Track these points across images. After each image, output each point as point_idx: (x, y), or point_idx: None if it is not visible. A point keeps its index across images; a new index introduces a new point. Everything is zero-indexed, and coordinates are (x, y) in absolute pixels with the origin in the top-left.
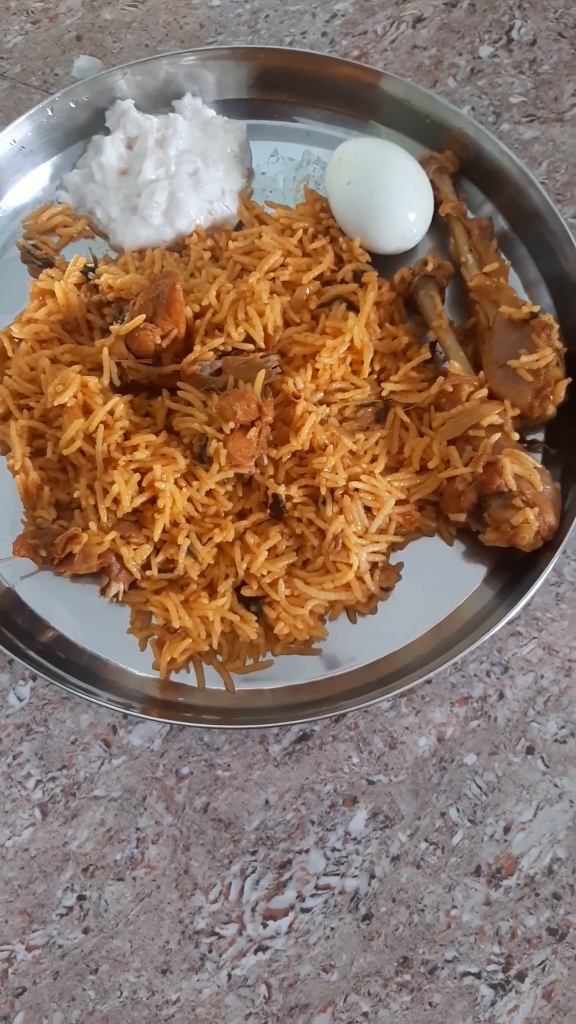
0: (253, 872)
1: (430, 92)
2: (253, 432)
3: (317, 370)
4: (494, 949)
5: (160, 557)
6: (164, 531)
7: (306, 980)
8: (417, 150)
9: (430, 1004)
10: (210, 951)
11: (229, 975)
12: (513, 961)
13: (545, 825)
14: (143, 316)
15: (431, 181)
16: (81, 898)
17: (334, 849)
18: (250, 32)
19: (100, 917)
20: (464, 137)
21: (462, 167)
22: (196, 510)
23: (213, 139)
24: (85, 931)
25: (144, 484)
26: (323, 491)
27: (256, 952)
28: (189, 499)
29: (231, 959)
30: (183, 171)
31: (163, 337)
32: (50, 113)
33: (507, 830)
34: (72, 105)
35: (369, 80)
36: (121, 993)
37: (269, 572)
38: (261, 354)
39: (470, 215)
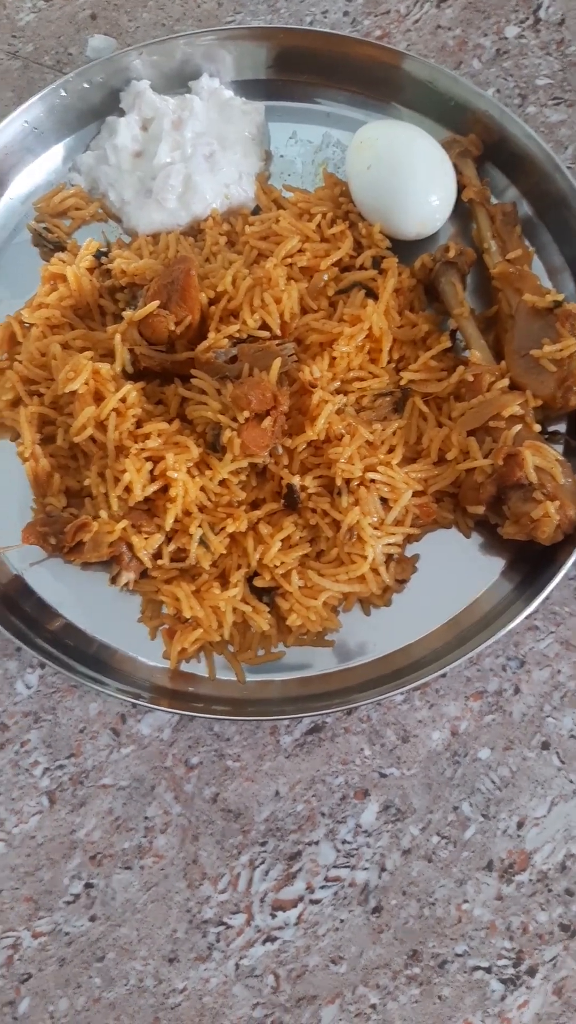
0: (262, 863)
1: (454, 73)
2: (268, 421)
3: (334, 358)
4: (505, 944)
5: (172, 546)
6: (176, 520)
7: (314, 971)
8: (440, 133)
9: (439, 998)
10: (218, 941)
11: (237, 965)
12: (524, 956)
13: (559, 821)
14: (157, 302)
15: (454, 165)
16: (88, 886)
17: (344, 841)
18: (269, 11)
19: (107, 905)
20: (488, 120)
21: (486, 151)
22: (209, 499)
23: (230, 121)
24: (92, 919)
25: (156, 473)
26: (339, 482)
27: (264, 942)
28: (202, 488)
29: (239, 949)
30: (199, 154)
31: (177, 324)
32: (63, 94)
33: (520, 825)
34: (86, 85)
35: (391, 61)
36: (128, 981)
37: (282, 563)
38: (277, 342)
39: (493, 200)
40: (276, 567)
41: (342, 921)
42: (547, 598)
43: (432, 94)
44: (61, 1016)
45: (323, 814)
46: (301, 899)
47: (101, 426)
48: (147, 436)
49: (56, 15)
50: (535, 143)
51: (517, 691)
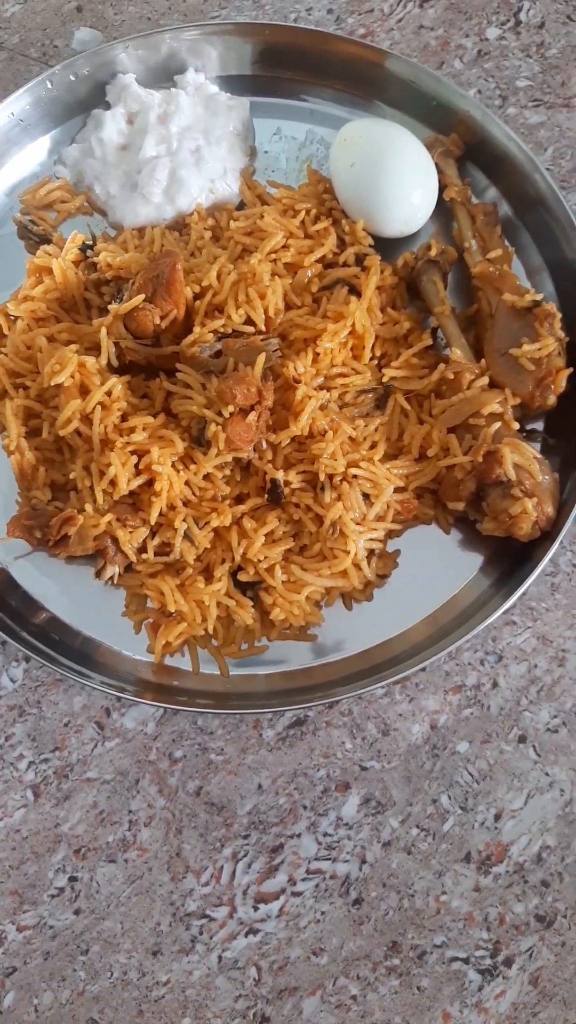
0: (245, 856)
1: (437, 73)
2: (252, 416)
3: (318, 354)
4: (482, 935)
5: (156, 540)
6: (161, 514)
7: (296, 963)
8: (422, 132)
9: (418, 988)
10: (201, 933)
11: (219, 957)
12: (501, 947)
13: (535, 813)
14: (142, 296)
15: (436, 164)
16: (73, 879)
17: (326, 834)
18: (255, 7)
19: (91, 898)
20: (470, 120)
21: (467, 151)
22: (193, 494)
23: (216, 116)
24: (76, 912)
25: (141, 467)
26: (322, 477)
27: (247, 935)
28: (186, 482)
29: (222, 941)
30: (185, 148)
31: (162, 318)
32: (49, 86)
33: (498, 818)
34: (72, 78)
35: (375, 59)
36: (112, 974)
37: (266, 557)
38: (262, 337)
39: (474, 200)
40: (260, 561)
41: (323, 913)
42: (524, 594)
43: (415, 93)
44: (46, 1009)
45: (305, 807)
46: (283, 891)
47: (86, 419)
48: (132, 430)
49: (42, 7)
50: (515, 144)
51: (495, 685)
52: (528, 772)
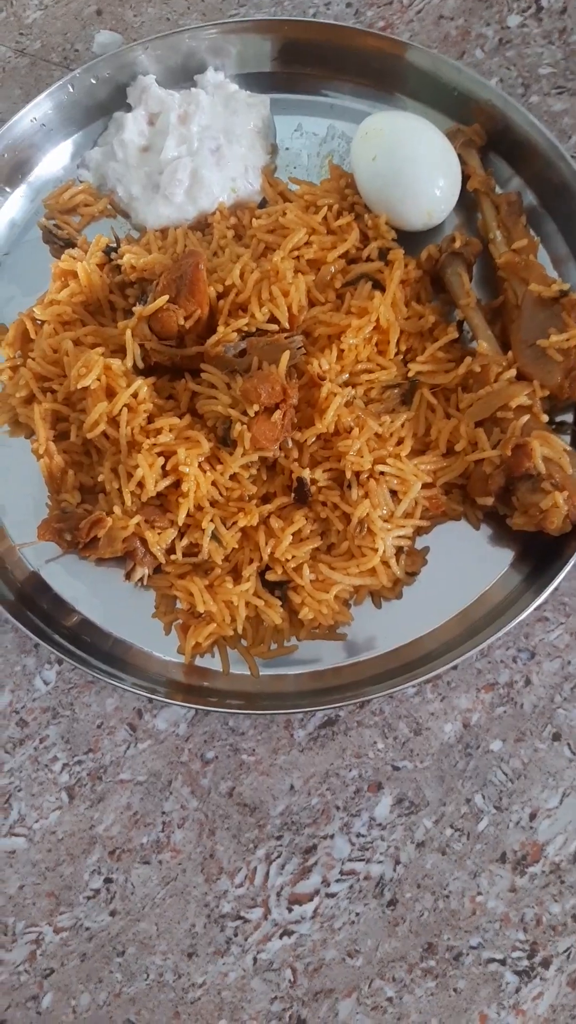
0: (278, 857)
1: (457, 63)
2: (277, 415)
3: (342, 351)
4: (519, 936)
5: (184, 541)
6: (188, 515)
7: (331, 965)
8: (444, 123)
9: (455, 990)
10: (236, 935)
11: (255, 959)
12: (538, 948)
13: (571, 812)
14: (166, 297)
15: (458, 155)
16: (108, 881)
17: (359, 835)
18: (273, 3)
19: (126, 900)
20: (492, 109)
21: (490, 140)
22: (220, 494)
23: (236, 114)
24: (112, 914)
25: (168, 468)
26: (348, 474)
27: (281, 936)
28: (213, 483)
29: (256, 943)
30: (205, 148)
31: (186, 318)
32: (71, 90)
33: (533, 817)
34: (93, 81)
35: (395, 52)
36: (148, 976)
37: (294, 557)
38: (286, 335)
39: (498, 190)
40: (287, 561)
41: (357, 914)
42: (556, 589)
43: (436, 84)
44: (83, 1011)
45: (337, 807)
46: (317, 892)
47: (113, 422)
48: (159, 431)
49: (62, 12)
50: (539, 132)
51: (528, 682)
52: (563, 771)
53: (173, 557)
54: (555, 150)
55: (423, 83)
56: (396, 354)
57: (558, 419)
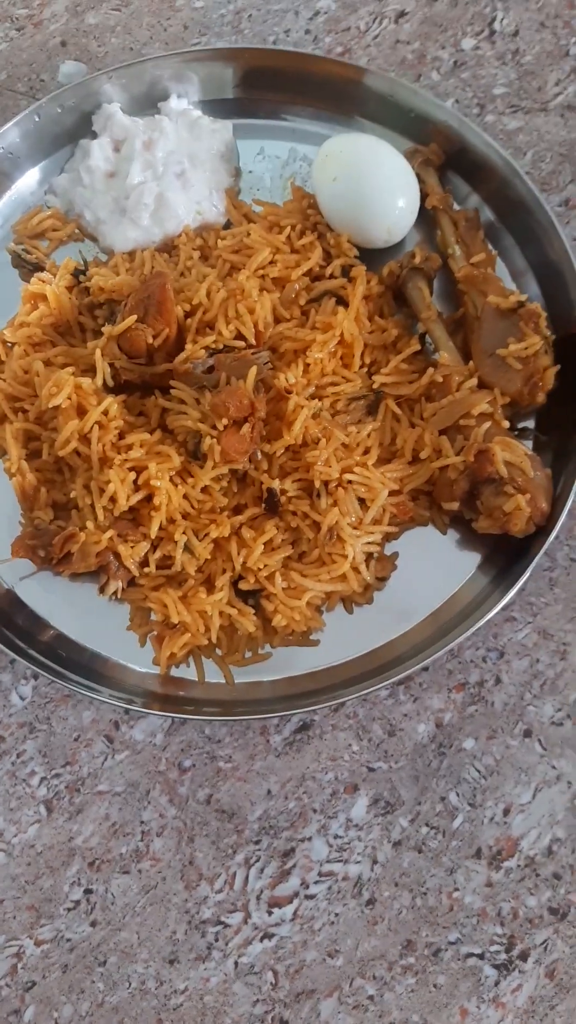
0: (257, 861)
1: (414, 86)
2: (246, 428)
3: (308, 365)
4: (496, 930)
5: (157, 554)
6: (161, 528)
7: (312, 966)
8: (402, 144)
9: (435, 986)
10: (216, 940)
11: (236, 963)
12: (515, 941)
13: (544, 807)
14: (134, 317)
15: (417, 174)
16: (88, 892)
17: (336, 836)
18: (234, 32)
19: (107, 910)
20: (448, 130)
21: (447, 159)
22: (192, 506)
23: (199, 139)
24: (93, 924)
25: (140, 482)
26: (317, 484)
27: (262, 939)
28: (185, 496)
29: (237, 947)
30: (170, 172)
31: (155, 337)
32: (37, 119)
33: (507, 812)
34: (59, 110)
35: (353, 76)
36: (130, 984)
37: (266, 565)
38: (252, 351)
39: (456, 207)
40: (260, 570)
41: (337, 915)
42: (522, 589)
43: (393, 107)
44: (66, 1022)
45: (314, 810)
46: (296, 895)
47: (85, 439)
48: (130, 447)
49: (27, 43)
50: (494, 151)
51: (498, 681)
52: (535, 766)
53: (146, 570)
54: (510, 167)
55: (381, 106)
56: (361, 367)
57: (520, 425)
